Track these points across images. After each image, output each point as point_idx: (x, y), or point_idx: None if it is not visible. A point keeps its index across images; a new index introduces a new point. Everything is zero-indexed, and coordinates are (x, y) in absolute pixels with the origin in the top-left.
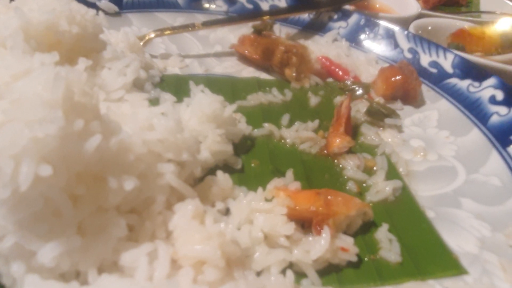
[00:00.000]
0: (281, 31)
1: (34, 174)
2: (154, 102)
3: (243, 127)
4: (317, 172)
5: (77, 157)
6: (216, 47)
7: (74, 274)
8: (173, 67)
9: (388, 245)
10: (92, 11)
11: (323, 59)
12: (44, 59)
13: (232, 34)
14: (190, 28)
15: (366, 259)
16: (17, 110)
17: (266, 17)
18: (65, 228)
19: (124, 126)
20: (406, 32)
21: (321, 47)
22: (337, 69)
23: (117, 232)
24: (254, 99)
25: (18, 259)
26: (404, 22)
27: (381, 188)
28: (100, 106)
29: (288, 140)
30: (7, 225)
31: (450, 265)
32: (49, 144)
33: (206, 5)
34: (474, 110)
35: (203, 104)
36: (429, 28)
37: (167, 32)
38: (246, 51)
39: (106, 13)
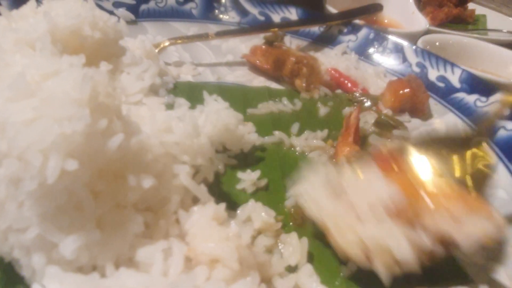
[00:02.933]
0: (291, 42)
1: (61, 168)
2: (169, 107)
3: (254, 135)
4: None
5: (100, 154)
6: (228, 56)
7: (91, 268)
8: (186, 75)
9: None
10: (114, 18)
11: (333, 71)
12: (72, 60)
13: (244, 45)
14: (203, 38)
15: None
16: (46, 108)
17: (277, 29)
18: (85, 222)
19: (143, 127)
20: (414, 47)
21: (331, 59)
22: (346, 81)
23: (134, 228)
24: (265, 107)
25: (39, 250)
26: (412, 38)
27: None
28: (121, 107)
29: (297, 148)
30: (31, 217)
31: (457, 274)
32: (75, 141)
33: (220, 16)
34: None
35: (217, 114)
36: (437, 44)
37: (181, 40)
38: (258, 61)
39: None
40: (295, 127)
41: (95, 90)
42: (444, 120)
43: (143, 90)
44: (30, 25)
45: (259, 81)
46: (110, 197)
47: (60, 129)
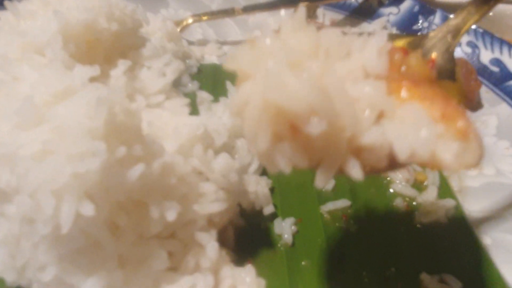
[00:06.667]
0: (325, 15)
1: (75, 213)
2: (191, 96)
3: None
4: (362, 185)
5: (119, 186)
6: (255, 32)
7: None
8: (211, 55)
9: None
10: (131, 5)
11: None
12: (85, 73)
13: (272, 18)
14: (229, 13)
15: None
16: (58, 141)
17: (309, 2)
18: (106, 261)
19: (165, 142)
20: None
21: None
22: None
23: (158, 264)
24: None
25: None
26: None
27: (433, 208)
28: (141, 126)
29: None
30: (47, 259)
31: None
32: (90, 179)
33: None
34: None
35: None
36: (491, 14)
37: (206, 17)
38: None
39: None
40: None
41: (112, 112)
42: (497, 112)
43: (165, 88)
44: (39, 26)
45: None
46: (131, 229)
47: (73, 169)
